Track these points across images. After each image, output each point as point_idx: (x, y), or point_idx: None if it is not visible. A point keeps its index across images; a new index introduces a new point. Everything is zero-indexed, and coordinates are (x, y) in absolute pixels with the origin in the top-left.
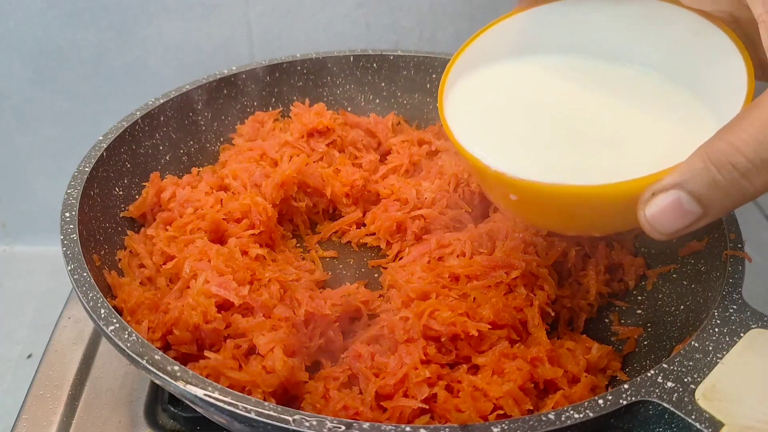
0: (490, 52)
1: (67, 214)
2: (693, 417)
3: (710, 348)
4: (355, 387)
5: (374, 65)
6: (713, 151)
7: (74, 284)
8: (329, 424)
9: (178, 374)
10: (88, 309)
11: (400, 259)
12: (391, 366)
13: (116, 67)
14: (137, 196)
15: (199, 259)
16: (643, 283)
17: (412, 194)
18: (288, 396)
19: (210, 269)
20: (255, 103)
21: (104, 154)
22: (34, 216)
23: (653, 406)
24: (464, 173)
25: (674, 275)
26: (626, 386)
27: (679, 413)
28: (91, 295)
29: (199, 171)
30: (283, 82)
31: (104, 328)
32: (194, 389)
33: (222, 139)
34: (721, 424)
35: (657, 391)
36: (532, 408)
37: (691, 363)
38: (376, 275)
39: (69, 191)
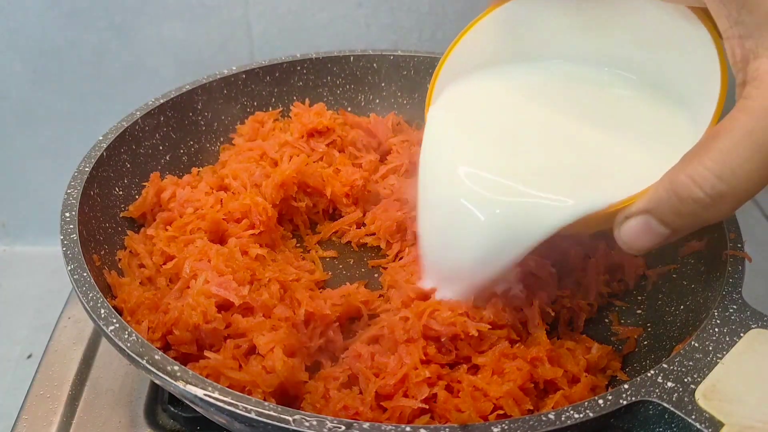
0: (469, 61)
1: (67, 214)
2: (693, 417)
3: (710, 348)
4: (355, 387)
5: (374, 65)
6: (676, 183)
7: (74, 284)
8: (329, 424)
9: (178, 374)
10: (88, 309)
11: (400, 259)
12: (391, 366)
13: (116, 67)
14: (137, 196)
15: (199, 259)
16: (643, 283)
17: (412, 194)
18: (288, 396)
19: (210, 269)
20: (255, 103)
21: (104, 154)
22: (34, 216)
23: (653, 406)
24: None
25: (674, 275)
26: (626, 386)
27: (679, 413)
28: (91, 295)
29: (199, 171)
30: (283, 82)
31: (104, 328)
32: (194, 389)
33: (222, 139)
34: (721, 424)
35: (657, 391)
36: (532, 408)
37: (691, 363)
38: (376, 275)
39: (69, 191)
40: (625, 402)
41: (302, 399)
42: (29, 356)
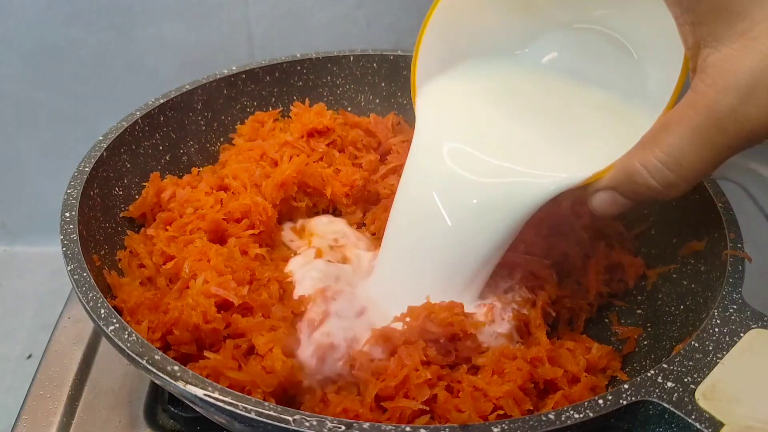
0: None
1: (67, 214)
2: (693, 417)
3: (710, 348)
4: (354, 389)
5: (374, 65)
6: (631, 169)
7: (74, 284)
8: (329, 424)
9: (178, 374)
10: (88, 309)
11: None
12: (392, 368)
13: (116, 67)
14: (137, 196)
15: (199, 259)
16: (643, 283)
17: None
18: (288, 396)
19: (210, 269)
20: (255, 103)
21: (104, 154)
22: (34, 216)
23: (653, 406)
24: None
25: (674, 275)
26: (626, 386)
27: (679, 413)
28: (91, 295)
29: (199, 171)
30: (283, 82)
31: (104, 328)
32: (194, 389)
33: (222, 139)
34: (721, 424)
35: (657, 391)
36: (532, 408)
37: (691, 363)
38: None
39: (69, 191)
40: (625, 402)
41: (302, 399)
42: (29, 356)
